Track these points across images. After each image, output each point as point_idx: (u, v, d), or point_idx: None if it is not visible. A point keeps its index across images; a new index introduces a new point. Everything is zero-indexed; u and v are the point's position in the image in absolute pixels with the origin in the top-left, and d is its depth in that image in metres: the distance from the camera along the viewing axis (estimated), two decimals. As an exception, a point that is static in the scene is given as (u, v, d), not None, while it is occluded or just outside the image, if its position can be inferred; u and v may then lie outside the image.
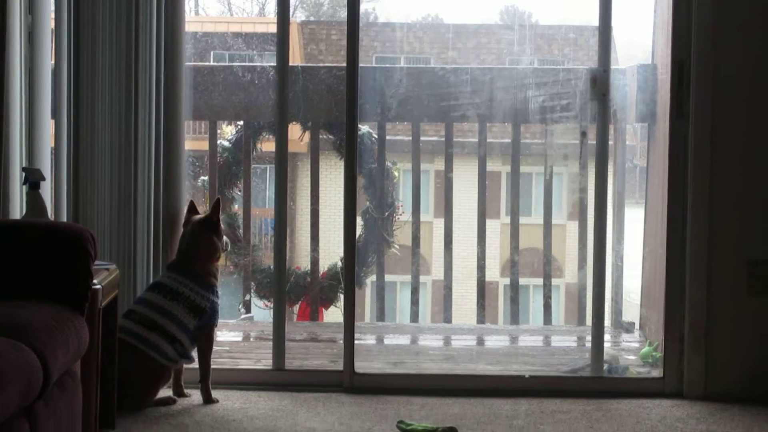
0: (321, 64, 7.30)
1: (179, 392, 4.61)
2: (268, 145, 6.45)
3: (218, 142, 6.35)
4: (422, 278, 6.65)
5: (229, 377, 4.85)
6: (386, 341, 6.28)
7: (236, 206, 6.48)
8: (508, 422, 4.33)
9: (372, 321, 6.69)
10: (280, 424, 4.25)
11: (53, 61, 4.67)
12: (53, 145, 4.67)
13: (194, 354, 4.53)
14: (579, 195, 6.28)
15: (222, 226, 4.64)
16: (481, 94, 6.21)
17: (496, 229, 6.84)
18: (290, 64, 4.90)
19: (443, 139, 6.39)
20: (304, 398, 4.65)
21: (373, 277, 6.49)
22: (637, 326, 6.21)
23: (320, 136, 6.39)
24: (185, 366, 4.59)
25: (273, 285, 5.08)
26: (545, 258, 6.35)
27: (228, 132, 6.59)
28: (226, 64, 6.67)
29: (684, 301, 4.79)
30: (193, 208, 4.64)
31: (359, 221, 6.24)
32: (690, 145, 4.74)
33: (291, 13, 4.99)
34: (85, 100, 4.62)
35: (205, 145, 6.35)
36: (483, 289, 6.31)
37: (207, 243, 4.56)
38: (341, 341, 4.96)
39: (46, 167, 4.60)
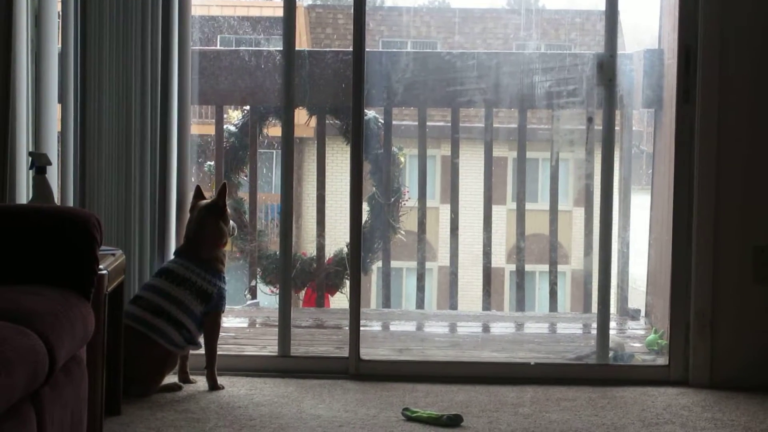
0: (327, 49, 7.30)
1: (185, 378, 4.61)
2: (274, 130, 6.45)
3: (224, 127, 6.34)
4: (428, 264, 6.65)
5: (235, 363, 4.85)
6: (392, 328, 6.29)
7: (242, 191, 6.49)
8: (513, 409, 4.33)
9: (378, 307, 6.69)
10: (286, 410, 4.25)
11: (60, 45, 4.66)
12: (60, 129, 4.66)
13: (201, 340, 4.53)
14: (585, 181, 6.28)
15: (228, 210, 4.64)
16: (487, 79, 6.21)
17: (502, 215, 6.84)
18: (297, 48, 4.89)
19: (449, 124, 6.39)
20: (310, 385, 4.65)
21: (379, 263, 6.49)
22: (642, 313, 6.21)
23: (326, 121, 6.38)
24: (191, 352, 4.59)
25: (279, 271, 5.09)
26: (551, 244, 6.34)
27: (234, 117, 6.59)
28: (233, 48, 6.66)
29: (690, 287, 4.78)
30: (199, 193, 4.63)
31: (365, 207, 6.23)
32: (696, 130, 4.73)
33: (298, -4, 4.98)
34: (91, 84, 4.61)
35: (211, 130, 6.35)
36: (489, 275, 6.32)
37: (214, 228, 4.55)
38: (347, 328, 4.96)
39: (52, 152, 4.59)
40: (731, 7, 4.67)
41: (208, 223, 4.55)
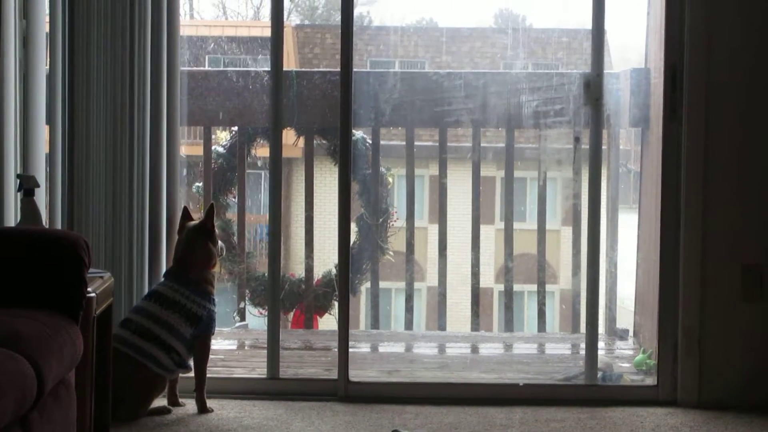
0: (315, 69, 7.31)
1: (174, 401, 4.59)
2: (262, 151, 6.44)
3: (213, 147, 6.34)
4: (417, 285, 6.64)
5: (224, 386, 4.84)
6: (381, 349, 6.28)
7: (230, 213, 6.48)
8: (502, 431, 4.33)
9: (366, 329, 6.68)
10: (275, 432, 4.25)
11: (48, 66, 4.66)
12: (48, 151, 4.66)
13: (191, 362, 4.52)
14: (573, 200, 6.28)
15: (216, 231, 4.62)
16: (474, 99, 6.21)
17: (491, 234, 6.84)
18: (285, 68, 4.89)
19: (437, 144, 6.39)
20: (299, 407, 4.64)
21: (368, 284, 6.48)
22: (631, 333, 6.21)
23: (314, 142, 6.38)
24: (180, 375, 4.57)
25: (267, 292, 5.07)
26: (539, 264, 6.34)
27: (222, 138, 6.59)
28: (221, 69, 6.66)
29: (678, 306, 4.78)
30: (187, 215, 4.62)
31: (353, 228, 6.23)
32: (683, 149, 4.74)
33: (285, 16, 4.98)
34: (79, 106, 4.61)
35: (199, 151, 6.35)
36: (477, 295, 6.31)
37: (202, 250, 4.54)
38: (336, 349, 4.95)
39: (40, 174, 4.59)
40: (717, 25, 4.69)
41: (197, 245, 4.53)
